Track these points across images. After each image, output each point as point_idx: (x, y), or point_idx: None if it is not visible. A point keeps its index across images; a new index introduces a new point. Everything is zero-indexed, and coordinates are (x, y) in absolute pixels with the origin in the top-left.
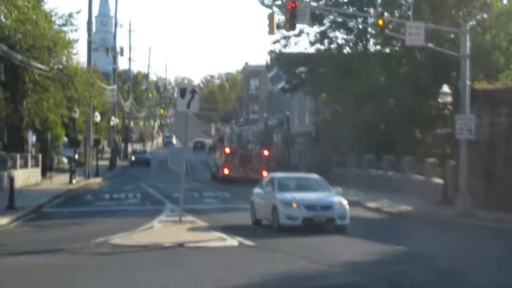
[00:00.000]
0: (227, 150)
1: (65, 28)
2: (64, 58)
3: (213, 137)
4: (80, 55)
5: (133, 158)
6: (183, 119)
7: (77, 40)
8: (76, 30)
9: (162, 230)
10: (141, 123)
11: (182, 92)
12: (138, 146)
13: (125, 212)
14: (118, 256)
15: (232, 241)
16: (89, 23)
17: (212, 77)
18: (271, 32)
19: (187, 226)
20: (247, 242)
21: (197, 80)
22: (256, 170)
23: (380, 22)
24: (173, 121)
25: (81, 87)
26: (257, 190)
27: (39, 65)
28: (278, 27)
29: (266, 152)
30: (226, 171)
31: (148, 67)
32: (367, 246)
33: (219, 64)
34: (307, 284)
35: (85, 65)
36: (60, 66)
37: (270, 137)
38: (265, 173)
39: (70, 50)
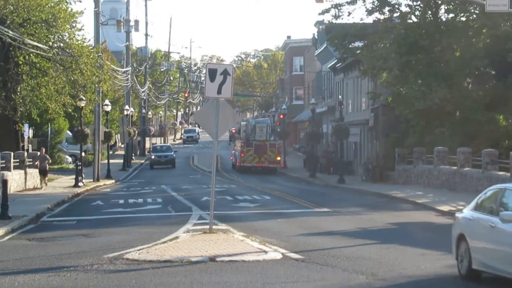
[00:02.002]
0: (243, 141)
1: None
2: (67, 34)
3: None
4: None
5: (153, 156)
6: (213, 106)
7: (81, 12)
8: (80, 0)
9: (189, 242)
10: (162, 112)
11: (212, 74)
12: (158, 141)
13: (143, 220)
14: (137, 274)
15: (274, 254)
16: None
17: (247, 55)
18: None
19: (219, 236)
20: (293, 255)
21: (228, 60)
22: (271, 159)
23: None
24: (200, 109)
25: (87, 70)
26: (471, 213)
27: (36, 43)
28: None
29: (279, 143)
30: (242, 160)
31: (169, 44)
32: (438, 258)
33: (255, 39)
34: None
35: (92, 42)
36: (62, 44)
37: (318, 126)
38: (279, 162)
39: (74, 24)
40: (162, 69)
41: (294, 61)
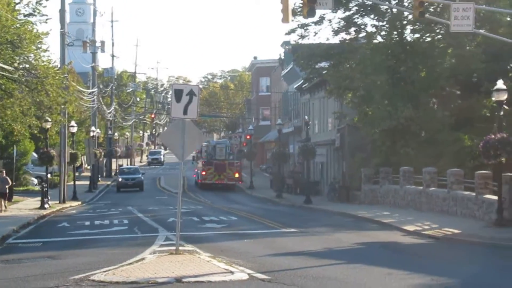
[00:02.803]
0: (204, 160)
1: (32, 19)
2: (32, 55)
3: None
4: (52, 51)
5: (120, 179)
6: (179, 127)
7: (47, 33)
8: (46, 21)
9: (155, 263)
10: (128, 133)
11: (178, 95)
12: (124, 162)
13: (109, 242)
14: None
15: (240, 274)
16: (62, 11)
17: (213, 76)
18: (285, 19)
19: (185, 257)
20: (259, 275)
21: (195, 80)
22: (230, 177)
23: (418, 4)
24: (166, 130)
25: (53, 91)
26: None
27: (1, 65)
28: (294, 13)
29: (238, 162)
30: (203, 178)
31: (135, 65)
32: (404, 277)
33: (222, 60)
34: None
35: (58, 63)
36: (27, 66)
37: (284, 146)
38: (237, 179)
39: (39, 45)
40: (128, 90)
41: (260, 82)
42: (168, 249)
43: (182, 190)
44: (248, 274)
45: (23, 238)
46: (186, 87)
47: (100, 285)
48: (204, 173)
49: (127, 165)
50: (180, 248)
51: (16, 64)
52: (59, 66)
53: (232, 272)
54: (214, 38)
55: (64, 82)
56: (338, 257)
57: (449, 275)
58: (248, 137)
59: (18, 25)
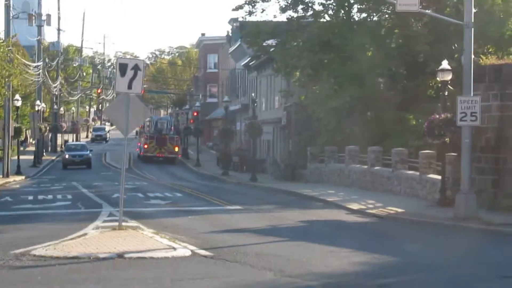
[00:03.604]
0: (146, 135)
1: None
2: None
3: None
4: None
5: (66, 156)
6: (124, 102)
7: None
8: None
9: (97, 238)
10: (74, 109)
11: (122, 69)
12: (70, 138)
13: (52, 217)
14: (43, 271)
15: (183, 251)
16: None
17: (161, 52)
18: None
19: (128, 233)
20: (202, 252)
21: (143, 56)
22: (170, 150)
23: None
24: (110, 105)
25: None
26: None
27: None
28: None
29: (177, 137)
30: (145, 151)
31: (82, 39)
32: (346, 255)
33: (170, 36)
34: None
35: (2, 36)
36: None
37: (231, 124)
38: (176, 153)
39: None
40: (75, 65)
41: (208, 59)
42: (111, 225)
43: (128, 166)
44: (191, 250)
45: None
46: (130, 61)
47: (41, 260)
48: (146, 146)
49: (73, 140)
50: (124, 224)
51: None
52: (3, 39)
53: (174, 248)
54: (162, 13)
55: (9, 54)
56: (281, 235)
57: (391, 253)
58: (195, 114)
59: None
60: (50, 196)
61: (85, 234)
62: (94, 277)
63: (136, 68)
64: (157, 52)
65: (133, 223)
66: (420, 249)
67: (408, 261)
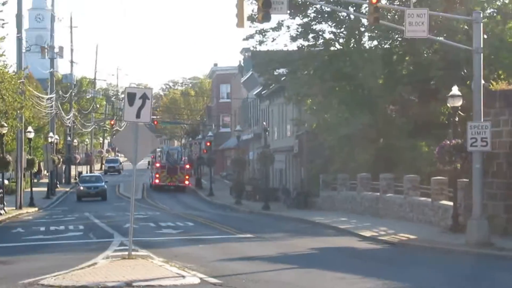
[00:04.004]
0: (157, 164)
1: None
2: None
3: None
4: (9, 56)
5: (81, 187)
6: (132, 131)
7: (3, 38)
8: (2, 26)
9: (107, 268)
10: (88, 140)
11: (131, 98)
12: (84, 169)
13: (63, 247)
14: None
15: (191, 279)
16: (19, 16)
17: (175, 83)
18: (240, 24)
19: (138, 262)
20: (211, 280)
21: (156, 87)
22: (180, 179)
23: (373, 10)
24: (119, 134)
25: (9, 96)
26: None
27: None
28: (252, 19)
29: (188, 166)
30: (156, 180)
31: (95, 71)
32: (356, 281)
33: (184, 67)
34: None
35: (15, 68)
36: None
37: (244, 153)
38: (187, 182)
39: None
40: (88, 96)
41: (221, 89)
42: (121, 254)
43: (141, 196)
44: (200, 278)
45: None
46: (139, 90)
47: None
48: (157, 175)
49: (87, 172)
50: (134, 253)
51: None
52: (15, 71)
53: (183, 276)
54: (175, 45)
55: (20, 87)
56: (292, 262)
57: (401, 280)
58: (208, 143)
59: None
60: (62, 227)
61: (95, 263)
62: None
63: (144, 97)
64: (171, 83)
65: (143, 252)
66: (430, 275)
67: (417, 287)
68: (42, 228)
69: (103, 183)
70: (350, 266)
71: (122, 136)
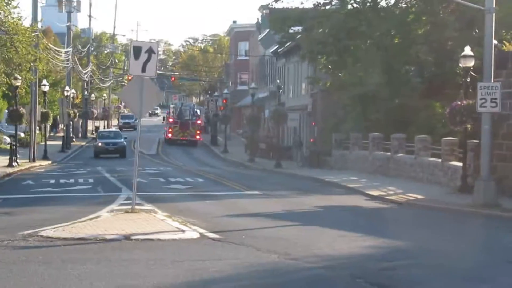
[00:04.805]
0: (171, 120)
1: None
2: (2, 12)
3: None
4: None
5: (99, 143)
6: (138, 85)
7: None
8: None
9: (109, 221)
10: (106, 95)
11: (136, 52)
12: (101, 124)
13: (70, 200)
14: (47, 251)
15: (191, 233)
16: None
17: (195, 40)
18: None
19: (140, 216)
20: (210, 235)
21: (176, 44)
22: (192, 134)
23: None
24: (125, 88)
25: (22, 48)
26: None
27: None
28: None
29: (199, 122)
30: (169, 134)
31: (114, 26)
32: (355, 239)
33: (204, 24)
34: (272, 281)
35: (30, 21)
36: None
37: (260, 111)
38: (198, 137)
39: (9, 1)
40: (106, 51)
41: (239, 46)
42: (126, 208)
43: (155, 152)
44: (200, 233)
45: None
46: (144, 44)
47: (47, 241)
48: (170, 130)
49: (104, 127)
50: (139, 207)
51: None
52: (31, 23)
53: (183, 231)
54: (196, 1)
55: (34, 39)
56: (295, 219)
57: (402, 238)
58: (224, 101)
59: None
60: (71, 180)
61: (98, 216)
62: (96, 258)
63: (150, 51)
64: (191, 40)
65: (148, 206)
66: (432, 234)
67: (418, 246)
68: (52, 181)
69: (122, 139)
70: (353, 224)
71: (128, 90)
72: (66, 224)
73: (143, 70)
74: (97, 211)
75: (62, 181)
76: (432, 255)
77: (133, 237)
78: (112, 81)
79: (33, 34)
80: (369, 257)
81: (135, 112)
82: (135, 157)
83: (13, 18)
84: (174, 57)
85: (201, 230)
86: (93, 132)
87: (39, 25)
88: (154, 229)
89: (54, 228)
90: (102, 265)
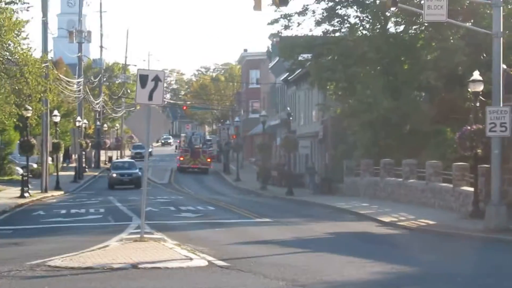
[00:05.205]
0: (182, 148)
1: (13, 6)
2: (11, 43)
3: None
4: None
5: (114, 175)
6: (144, 113)
7: (27, 21)
8: (27, 9)
9: (117, 250)
10: (118, 125)
11: (143, 80)
12: (114, 154)
13: (80, 230)
14: (53, 280)
15: (199, 261)
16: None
17: (206, 69)
18: (257, 7)
19: (149, 244)
20: (219, 262)
21: (188, 74)
22: (203, 162)
23: None
24: (131, 116)
25: (32, 79)
26: None
27: None
28: (276, 4)
29: (210, 149)
30: (181, 163)
31: (126, 56)
32: (364, 265)
33: (215, 53)
34: None
35: (41, 52)
36: (7, 53)
37: (271, 139)
38: (208, 164)
39: (19, 33)
40: (117, 81)
41: (250, 74)
42: (135, 237)
43: (167, 181)
44: (208, 261)
45: None
46: (151, 72)
47: (55, 270)
48: (182, 158)
49: (117, 157)
50: (148, 236)
51: None
52: (41, 55)
53: (191, 259)
54: (207, 30)
55: (44, 70)
56: (304, 246)
57: (411, 264)
58: (235, 129)
59: None
60: (82, 210)
61: (107, 246)
62: (101, 287)
63: (156, 79)
64: (203, 70)
65: (158, 235)
66: (442, 260)
67: (426, 272)
68: (63, 211)
69: (137, 170)
70: (363, 250)
71: (134, 118)
72: (74, 254)
73: (150, 98)
74: (106, 241)
75: (73, 211)
76: (439, 280)
77: (140, 266)
78: (124, 111)
79: (43, 65)
80: (376, 283)
81: (141, 139)
82: (143, 185)
83: (22, 49)
84: (186, 87)
85: (210, 258)
86: (106, 162)
87: (50, 55)
88: (162, 258)
89: (62, 258)
90: None
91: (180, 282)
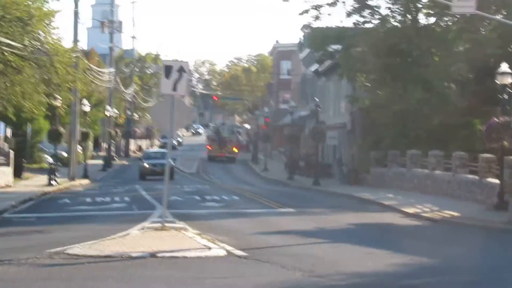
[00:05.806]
0: (211, 138)
1: None
2: (41, 33)
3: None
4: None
5: (146, 165)
6: (168, 103)
7: (58, 11)
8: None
9: (137, 238)
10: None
11: (167, 71)
12: (143, 144)
13: (104, 218)
14: (70, 268)
15: (218, 251)
16: None
17: (239, 60)
18: None
19: (170, 233)
20: (238, 252)
21: (221, 64)
22: (230, 151)
23: None
24: (155, 106)
25: (62, 69)
26: None
27: (10, 42)
28: None
29: (239, 138)
30: (209, 152)
31: (158, 47)
32: (383, 257)
33: (249, 44)
34: None
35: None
36: (37, 43)
37: (301, 129)
38: (235, 153)
39: (49, 23)
40: (148, 72)
41: (281, 65)
42: (156, 226)
43: (196, 171)
44: (227, 250)
45: (20, 212)
46: (176, 63)
47: (73, 258)
48: (210, 148)
49: (147, 147)
50: (170, 225)
51: (26, 42)
52: (72, 44)
53: (210, 248)
54: (241, 21)
55: (74, 60)
56: (326, 236)
57: (431, 256)
58: (266, 119)
59: (29, 2)
60: (107, 199)
61: (127, 234)
62: (118, 275)
63: (181, 70)
64: (235, 60)
65: (180, 224)
66: (463, 252)
67: (445, 264)
68: (89, 199)
69: (169, 159)
70: (383, 242)
71: (158, 108)
72: (93, 242)
73: (174, 89)
74: (128, 229)
75: (98, 199)
76: (459, 272)
77: (159, 255)
78: (155, 101)
79: (73, 54)
80: (392, 275)
81: (165, 130)
82: (166, 173)
83: (53, 39)
84: (219, 77)
85: (229, 248)
86: (135, 151)
87: (82, 46)
88: (181, 247)
89: (81, 246)
90: (123, 282)
91: (197, 271)
